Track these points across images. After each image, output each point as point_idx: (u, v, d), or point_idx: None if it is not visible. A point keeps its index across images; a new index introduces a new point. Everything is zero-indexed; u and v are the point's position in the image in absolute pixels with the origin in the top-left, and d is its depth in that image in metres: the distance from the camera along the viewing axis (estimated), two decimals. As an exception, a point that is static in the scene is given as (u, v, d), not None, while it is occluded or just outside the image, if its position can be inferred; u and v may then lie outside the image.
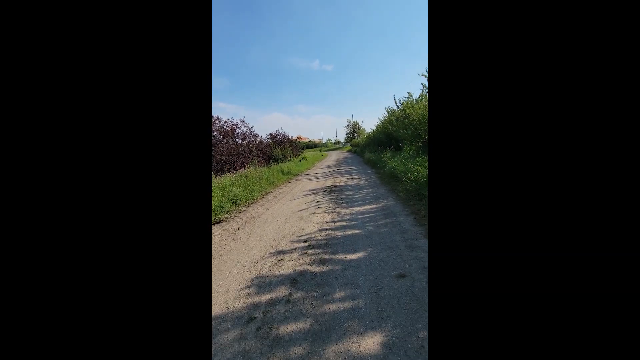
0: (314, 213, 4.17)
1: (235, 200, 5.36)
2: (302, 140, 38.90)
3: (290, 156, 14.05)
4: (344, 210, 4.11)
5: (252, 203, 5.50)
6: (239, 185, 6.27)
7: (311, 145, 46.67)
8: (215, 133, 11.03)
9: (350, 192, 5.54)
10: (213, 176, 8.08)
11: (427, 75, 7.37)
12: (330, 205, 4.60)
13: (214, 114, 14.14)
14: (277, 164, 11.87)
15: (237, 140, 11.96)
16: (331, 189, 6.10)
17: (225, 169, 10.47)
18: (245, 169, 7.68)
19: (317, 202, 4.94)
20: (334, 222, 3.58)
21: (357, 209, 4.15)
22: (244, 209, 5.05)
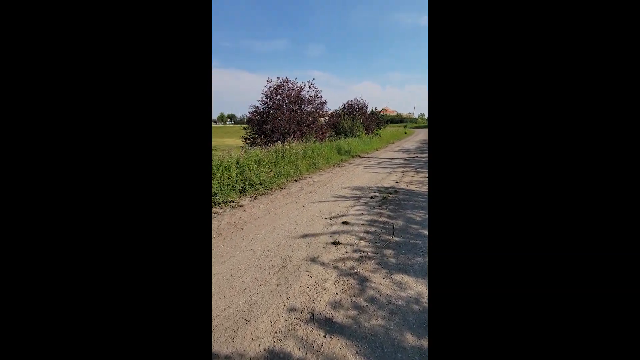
0: (314, 261, 1.93)
1: (244, 186, 3.80)
2: (388, 114, 33.73)
3: (360, 131, 11.37)
4: (377, 279, 1.68)
5: (264, 194, 3.80)
6: (266, 164, 4.69)
7: (397, 120, 40.25)
8: (280, 98, 9.74)
9: (418, 216, 2.84)
10: (254, 146, 6.91)
11: None
12: (362, 244, 2.21)
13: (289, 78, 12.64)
14: (341, 138, 9.66)
15: (303, 106, 10.34)
16: (386, 197, 3.53)
17: (282, 140, 9.24)
18: (284, 143, 6.02)
19: (345, 224, 2.64)
20: (330, 333, 1.33)
21: (413, 286, 1.65)
22: (229, 209, 3.42)
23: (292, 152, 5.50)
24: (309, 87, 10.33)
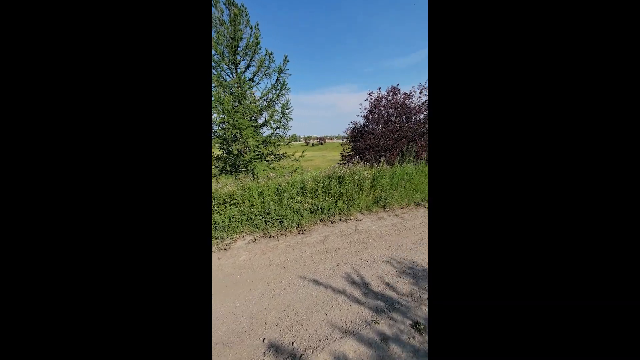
0: None
1: (260, 220, 3.03)
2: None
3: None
4: None
5: (271, 236, 2.80)
6: (310, 194, 3.68)
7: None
8: (382, 110, 8.28)
9: None
10: (348, 164, 6.03)
11: None
12: None
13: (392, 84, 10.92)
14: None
15: (412, 117, 8.14)
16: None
17: (375, 158, 7.72)
18: (347, 165, 4.51)
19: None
20: None
21: None
22: (215, 250, 2.64)
23: (354, 178, 4.08)
24: (420, 93, 7.97)
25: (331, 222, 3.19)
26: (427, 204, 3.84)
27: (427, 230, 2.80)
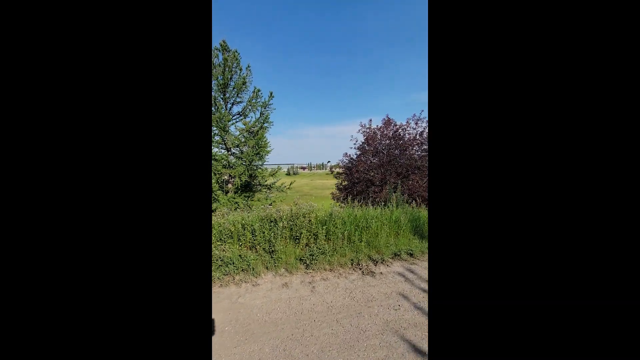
0: None
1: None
2: None
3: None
4: None
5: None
6: (232, 236, 3.01)
7: None
8: (377, 142, 7.52)
9: None
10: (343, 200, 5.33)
11: None
12: None
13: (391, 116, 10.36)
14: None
15: (408, 150, 7.15)
16: None
17: (367, 193, 6.77)
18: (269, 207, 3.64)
19: None
20: None
21: None
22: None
23: (289, 223, 3.30)
24: (416, 123, 7.07)
25: (221, 285, 2.41)
26: (371, 266, 2.78)
27: (328, 317, 1.82)
